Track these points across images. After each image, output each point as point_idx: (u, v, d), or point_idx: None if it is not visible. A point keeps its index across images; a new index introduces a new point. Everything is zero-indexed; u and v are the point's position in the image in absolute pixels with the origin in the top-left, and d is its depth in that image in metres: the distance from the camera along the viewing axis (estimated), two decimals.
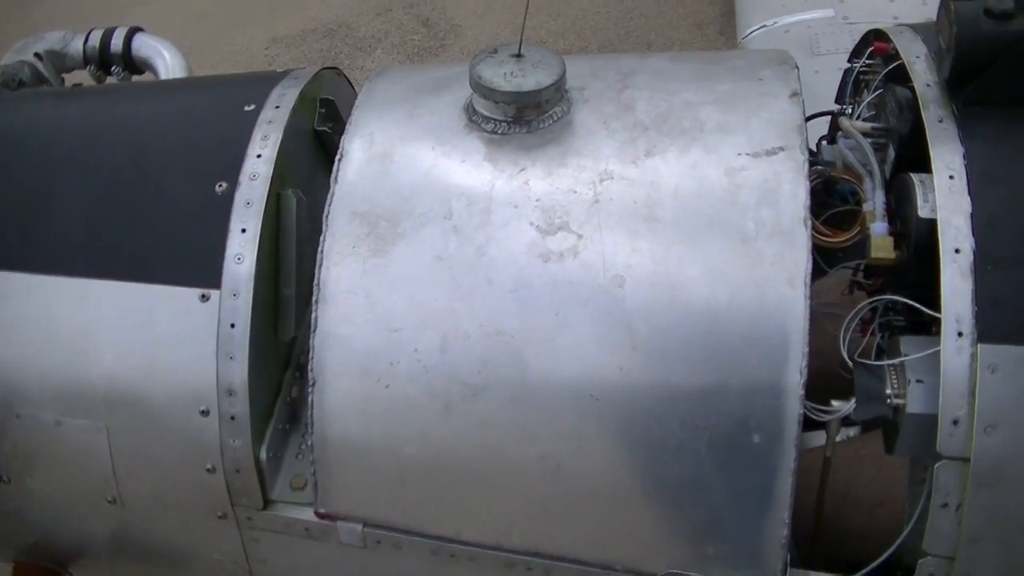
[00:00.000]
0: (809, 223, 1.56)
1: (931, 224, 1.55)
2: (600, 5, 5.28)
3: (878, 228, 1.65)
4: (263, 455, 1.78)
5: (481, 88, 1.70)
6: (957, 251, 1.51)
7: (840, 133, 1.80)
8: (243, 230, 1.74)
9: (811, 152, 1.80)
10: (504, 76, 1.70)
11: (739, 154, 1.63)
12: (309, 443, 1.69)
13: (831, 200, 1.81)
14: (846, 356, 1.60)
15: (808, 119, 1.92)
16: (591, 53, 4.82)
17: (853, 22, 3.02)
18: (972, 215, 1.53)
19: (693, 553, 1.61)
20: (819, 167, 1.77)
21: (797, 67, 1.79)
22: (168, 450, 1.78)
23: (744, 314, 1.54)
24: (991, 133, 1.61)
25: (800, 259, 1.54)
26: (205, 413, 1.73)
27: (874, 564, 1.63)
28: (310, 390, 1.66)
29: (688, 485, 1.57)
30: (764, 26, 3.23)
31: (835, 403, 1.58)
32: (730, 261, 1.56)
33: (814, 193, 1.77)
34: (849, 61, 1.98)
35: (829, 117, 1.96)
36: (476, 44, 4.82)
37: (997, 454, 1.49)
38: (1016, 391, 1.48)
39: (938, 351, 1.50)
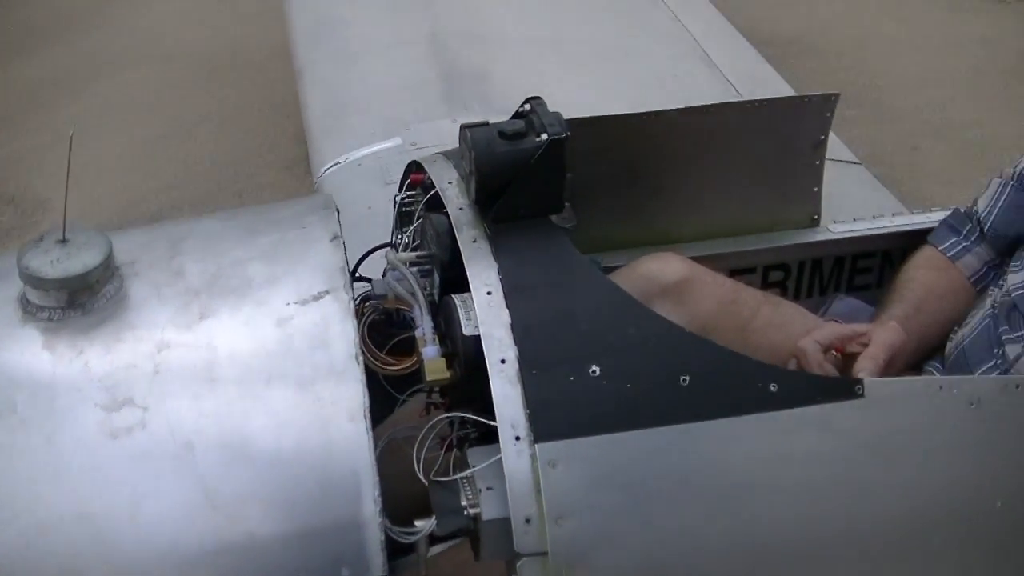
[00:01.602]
0: (361, 359, 1.63)
1: (477, 339, 1.64)
2: (190, 162, 5.28)
3: (429, 352, 1.72)
4: None
5: (30, 279, 1.70)
6: (503, 361, 1.61)
7: (388, 265, 1.89)
8: None
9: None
10: (51, 263, 1.70)
11: (288, 303, 1.69)
12: None
13: (394, 330, 1.89)
14: (421, 476, 1.67)
15: (370, 253, 2.02)
16: (182, 215, 4.79)
17: (420, 147, 3.12)
18: (512, 325, 1.63)
19: None
20: (373, 301, 1.84)
21: (338, 210, 1.87)
22: None
23: (313, 457, 1.59)
24: (519, 245, 1.73)
25: (357, 394, 1.61)
26: None
27: None
28: None
29: None
30: (338, 163, 3.31)
31: (418, 523, 1.63)
32: (293, 409, 1.61)
33: (378, 325, 1.86)
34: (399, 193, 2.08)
35: None
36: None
37: (570, 542, 1.58)
38: (577, 481, 1.58)
39: (500, 458, 1.59)
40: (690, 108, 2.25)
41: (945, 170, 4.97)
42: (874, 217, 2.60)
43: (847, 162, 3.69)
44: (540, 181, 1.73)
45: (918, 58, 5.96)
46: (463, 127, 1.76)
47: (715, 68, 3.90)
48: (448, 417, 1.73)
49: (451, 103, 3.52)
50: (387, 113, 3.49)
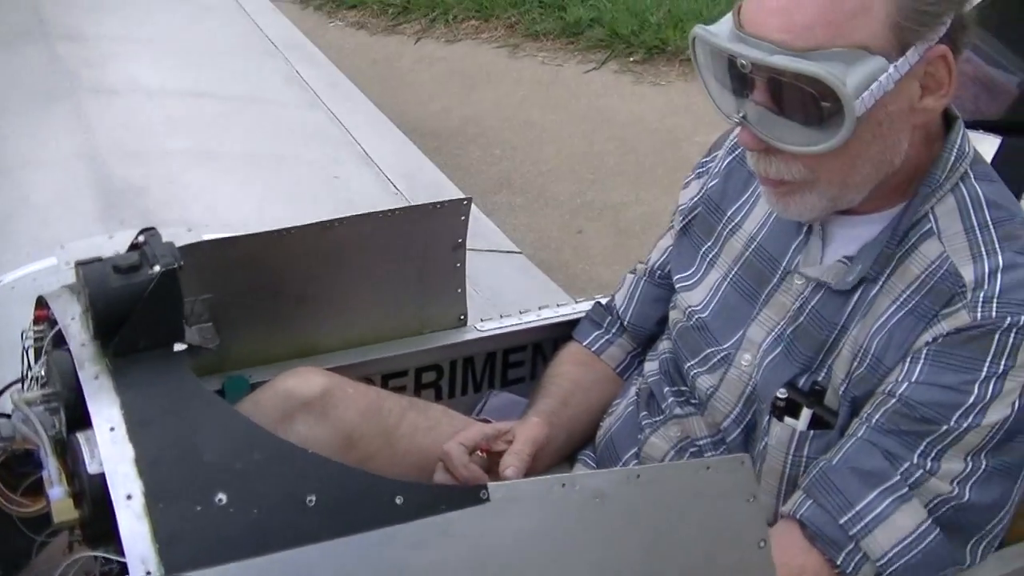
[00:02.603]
0: None
1: (102, 476, 1.62)
2: None
3: (54, 493, 1.70)
4: None
5: None
6: (129, 497, 1.59)
7: (13, 406, 1.85)
8: None
9: None
10: None
11: None
12: None
13: (30, 469, 1.85)
14: None
15: (3, 391, 1.97)
16: None
17: None
18: (136, 460, 1.62)
19: None
20: (1, 444, 1.80)
21: None
22: None
23: None
24: (141, 379, 1.72)
25: None
26: None
27: None
28: None
29: None
30: None
31: None
32: None
33: (12, 464, 1.82)
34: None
35: None
36: None
37: None
38: None
39: None
40: (321, 223, 2.29)
41: (609, 250, 5.17)
42: (521, 312, 2.68)
43: (508, 252, 3.80)
44: (157, 313, 1.73)
45: (575, 143, 6.20)
46: (77, 264, 1.76)
47: (375, 167, 3.97)
48: (83, 556, 1.71)
49: (108, 219, 3.48)
50: (41, 232, 3.42)
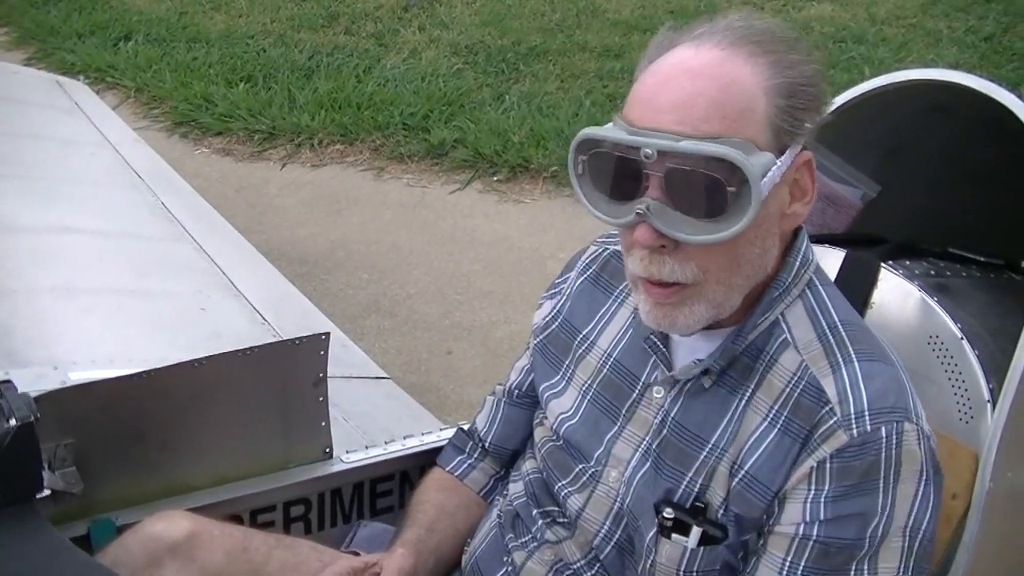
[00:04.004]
0: None
1: None
2: None
3: None
4: None
5: None
6: None
7: None
8: None
9: None
10: None
11: None
12: None
13: None
14: None
15: None
16: None
17: None
18: None
19: None
20: None
21: None
22: None
23: None
24: (0, 534, 1.72)
25: None
26: None
27: None
28: None
29: None
30: None
31: None
32: None
33: None
34: None
35: None
36: None
37: None
38: None
39: None
40: (180, 363, 2.31)
41: (479, 371, 5.19)
42: (386, 442, 2.71)
43: (376, 378, 3.82)
44: (14, 467, 1.74)
45: (442, 264, 6.25)
46: None
47: (242, 297, 3.97)
48: None
49: None
50: None
